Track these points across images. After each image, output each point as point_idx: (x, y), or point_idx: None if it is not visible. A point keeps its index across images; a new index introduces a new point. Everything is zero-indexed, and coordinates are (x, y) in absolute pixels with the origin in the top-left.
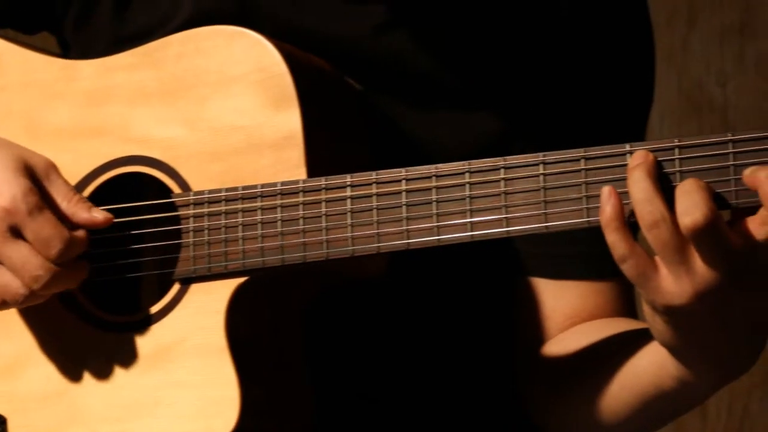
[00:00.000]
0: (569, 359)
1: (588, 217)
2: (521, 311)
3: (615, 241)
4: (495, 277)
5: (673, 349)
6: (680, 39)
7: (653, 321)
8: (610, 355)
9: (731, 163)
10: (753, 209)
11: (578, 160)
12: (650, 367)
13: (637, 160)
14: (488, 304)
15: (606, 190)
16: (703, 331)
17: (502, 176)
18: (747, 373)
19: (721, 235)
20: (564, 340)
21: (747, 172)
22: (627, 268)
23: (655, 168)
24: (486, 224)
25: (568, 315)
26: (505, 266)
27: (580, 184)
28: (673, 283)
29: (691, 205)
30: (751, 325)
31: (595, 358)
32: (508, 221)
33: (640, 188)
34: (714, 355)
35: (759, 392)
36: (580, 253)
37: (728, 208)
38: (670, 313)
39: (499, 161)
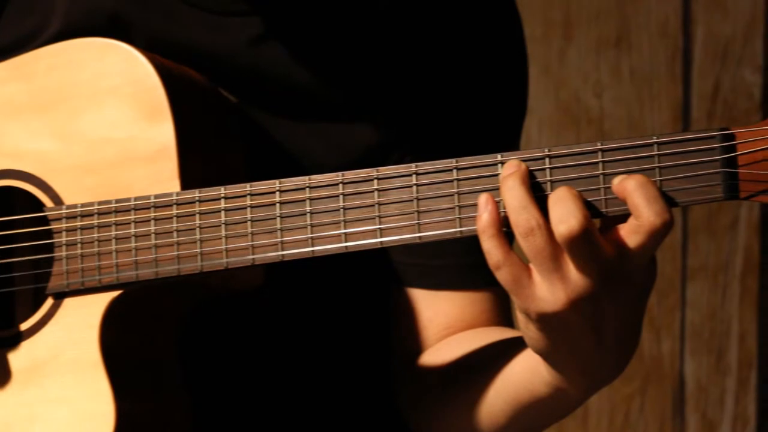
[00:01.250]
0: (445, 369)
1: (461, 227)
2: (398, 322)
3: (491, 248)
4: (373, 288)
5: (546, 356)
6: (557, 52)
7: (526, 328)
8: (484, 363)
9: (600, 172)
10: (623, 217)
11: (450, 170)
12: (523, 373)
13: (510, 169)
14: (366, 314)
15: (484, 197)
16: (575, 338)
17: (376, 187)
18: (628, 381)
19: (594, 243)
20: (440, 350)
21: (615, 181)
22: (502, 276)
23: (529, 176)
24: (360, 235)
25: (445, 325)
26: (383, 277)
27: (452, 194)
28: (547, 291)
29: (566, 212)
30: (623, 332)
31: (470, 367)
32: (382, 232)
33: (514, 196)
34: (586, 362)
35: (639, 399)
36: (455, 264)
37: (600, 217)
38: (543, 320)
39: (372, 172)
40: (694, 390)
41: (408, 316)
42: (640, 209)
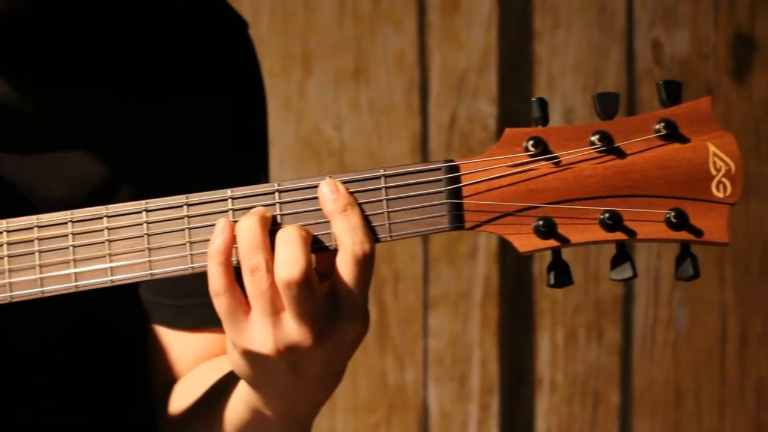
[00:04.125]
0: (185, 400)
1: (192, 263)
2: (153, 358)
3: (214, 273)
4: (127, 325)
5: (247, 380)
6: (297, 85)
7: (231, 353)
8: (216, 391)
9: None
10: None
11: (181, 206)
12: (236, 397)
13: (253, 212)
14: (123, 351)
15: (221, 223)
16: (274, 374)
17: (106, 225)
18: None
19: (312, 290)
20: (184, 382)
21: (324, 209)
22: (219, 303)
23: (269, 222)
24: (91, 273)
25: (196, 359)
26: (134, 315)
27: (183, 230)
28: (258, 331)
29: (289, 258)
30: (325, 375)
31: (203, 396)
32: (113, 270)
33: (248, 236)
34: (286, 396)
35: (384, 428)
36: (203, 303)
37: (326, 251)
38: (247, 353)
39: (102, 210)
40: (438, 417)
41: (160, 353)
42: (341, 237)
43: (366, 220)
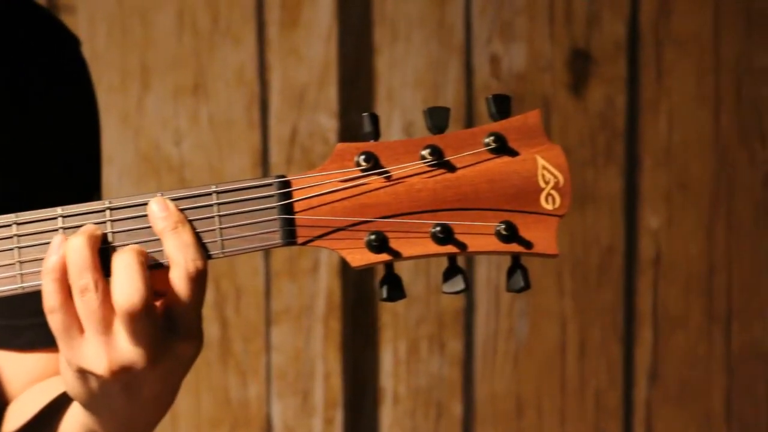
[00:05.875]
0: (18, 422)
1: (23, 282)
2: None
3: (49, 291)
4: None
5: (79, 400)
6: (135, 100)
7: (65, 373)
8: (50, 412)
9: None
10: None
11: (10, 225)
12: (70, 419)
13: (81, 232)
14: None
15: (57, 240)
16: (107, 395)
17: None
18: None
19: (150, 319)
20: (17, 404)
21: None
22: (53, 321)
23: (99, 240)
24: None
25: (30, 381)
26: None
27: (12, 249)
28: (93, 351)
29: (130, 286)
30: (160, 394)
31: (37, 418)
32: None
33: (77, 257)
34: (120, 417)
35: None
36: (38, 323)
37: (160, 268)
38: (81, 373)
39: None
40: (282, 431)
41: None
42: (172, 255)
43: (198, 236)
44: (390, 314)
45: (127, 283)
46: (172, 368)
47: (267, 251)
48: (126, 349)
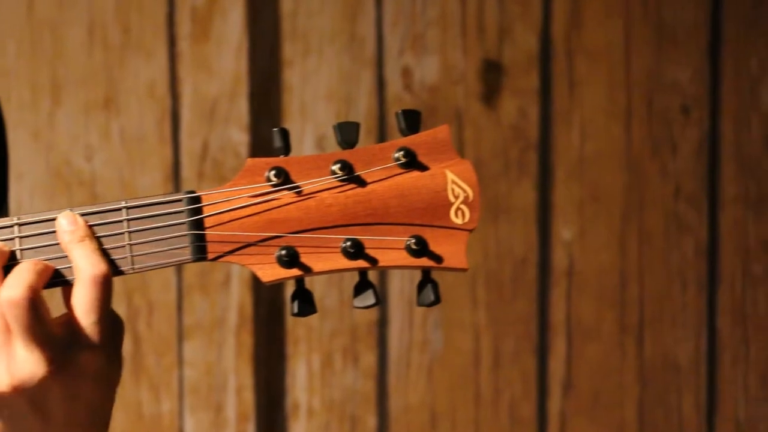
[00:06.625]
0: None
1: None
2: None
3: None
4: None
5: None
6: (46, 116)
7: None
8: None
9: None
10: None
11: None
12: None
13: None
14: None
15: None
16: (21, 419)
17: None
18: None
19: (39, 317)
20: None
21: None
22: None
23: (5, 251)
24: None
25: None
26: None
27: None
28: None
29: (14, 280)
30: (78, 419)
31: None
32: None
33: None
34: None
35: None
36: None
37: (68, 284)
38: None
39: None
40: None
41: None
42: (78, 263)
43: (105, 250)
44: (303, 327)
45: (12, 279)
46: (77, 382)
47: (179, 266)
48: (23, 358)
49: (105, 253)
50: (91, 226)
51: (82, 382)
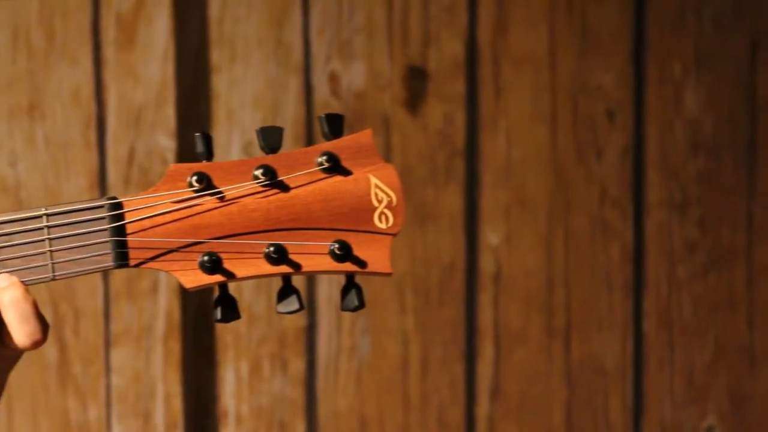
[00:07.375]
0: None
1: None
2: None
3: None
4: None
5: None
6: None
7: None
8: None
9: None
10: None
11: None
12: None
13: None
14: None
15: None
16: None
17: None
18: None
19: None
20: None
21: None
22: None
23: None
24: None
25: None
26: None
27: None
28: None
29: None
30: None
31: None
32: None
33: None
34: None
35: None
36: None
37: None
38: None
39: None
40: None
41: None
42: (11, 327)
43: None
44: (232, 334)
45: None
46: None
47: (106, 272)
48: None
49: (24, 261)
50: (11, 234)
51: None
